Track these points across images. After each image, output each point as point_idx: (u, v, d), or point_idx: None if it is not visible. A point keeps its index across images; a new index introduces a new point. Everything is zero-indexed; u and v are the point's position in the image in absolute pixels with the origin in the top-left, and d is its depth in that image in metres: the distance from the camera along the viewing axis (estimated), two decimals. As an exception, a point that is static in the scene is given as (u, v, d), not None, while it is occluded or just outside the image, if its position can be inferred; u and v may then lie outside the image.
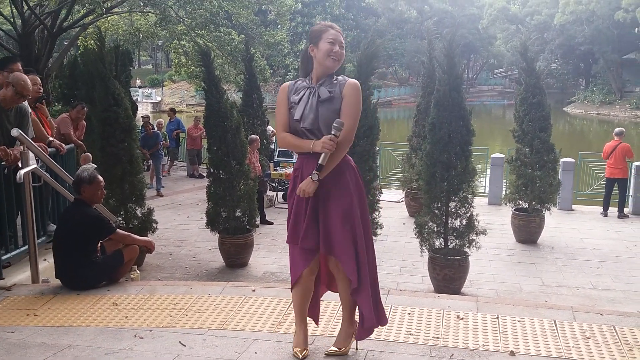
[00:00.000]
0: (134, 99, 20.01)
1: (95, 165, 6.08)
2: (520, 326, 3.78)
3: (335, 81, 3.15)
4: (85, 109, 8.77)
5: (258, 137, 10.03)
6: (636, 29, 42.35)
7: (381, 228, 7.07)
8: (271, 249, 8.40)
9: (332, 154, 3.03)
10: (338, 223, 3.11)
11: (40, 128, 5.92)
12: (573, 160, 11.65)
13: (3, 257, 4.82)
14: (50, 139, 6.02)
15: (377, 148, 7.52)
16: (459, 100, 6.53)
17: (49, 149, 5.65)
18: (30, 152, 4.88)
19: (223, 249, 7.63)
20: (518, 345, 3.51)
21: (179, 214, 10.75)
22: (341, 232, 3.11)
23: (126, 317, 3.98)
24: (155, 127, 13.97)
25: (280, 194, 11.78)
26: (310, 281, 3.26)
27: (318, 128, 3.09)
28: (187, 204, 11.75)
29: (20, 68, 5.44)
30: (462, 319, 3.89)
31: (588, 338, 3.60)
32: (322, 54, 3.10)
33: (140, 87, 51.88)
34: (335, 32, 3.14)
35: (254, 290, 4.44)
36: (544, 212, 8.83)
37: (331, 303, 4.07)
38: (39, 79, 6.16)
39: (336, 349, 3.30)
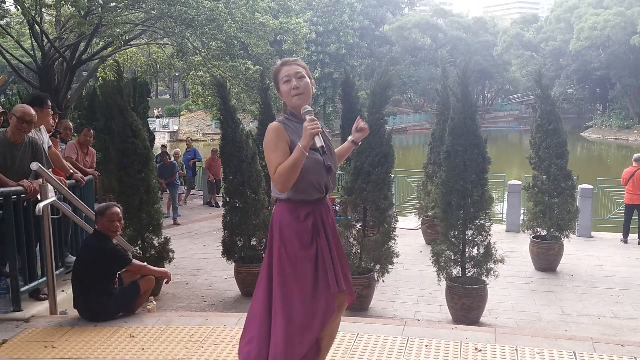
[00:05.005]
0: (151, 128, 20.30)
1: None
2: (539, 358, 3.72)
3: None
4: (92, 131, 8.53)
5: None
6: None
7: (397, 256, 7.02)
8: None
9: None
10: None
11: (61, 160, 6.02)
12: (591, 187, 11.51)
13: (22, 289, 4.86)
14: (72, 171, 6.11)
15: (392, 175, 7.51)
16: (473, 128, 6.52)
17: (69, 181, 5.73)
18: (49, 184, 4.95)
19: (239, 277, 7.62)
20: (538, 377, 3.45)
21: (195, 243, 10.78)
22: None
23: (142, 349, 3.99)
24: (172, 157, 14.11)
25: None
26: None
27: (335, 164, 3.06)
28: (203, 232, 11.78)
29: (49, 104, 5.57)
30: (480, 350, 3.84)
31: (610, 370, 3.53)
32: (285, 96, 2.94)
33: (157, 116, 52.55)
34: (288, 67, 2.93)
35: (269, 321, 4.41)
36: (562, 239, 8.73)
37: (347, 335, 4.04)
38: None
39: None
